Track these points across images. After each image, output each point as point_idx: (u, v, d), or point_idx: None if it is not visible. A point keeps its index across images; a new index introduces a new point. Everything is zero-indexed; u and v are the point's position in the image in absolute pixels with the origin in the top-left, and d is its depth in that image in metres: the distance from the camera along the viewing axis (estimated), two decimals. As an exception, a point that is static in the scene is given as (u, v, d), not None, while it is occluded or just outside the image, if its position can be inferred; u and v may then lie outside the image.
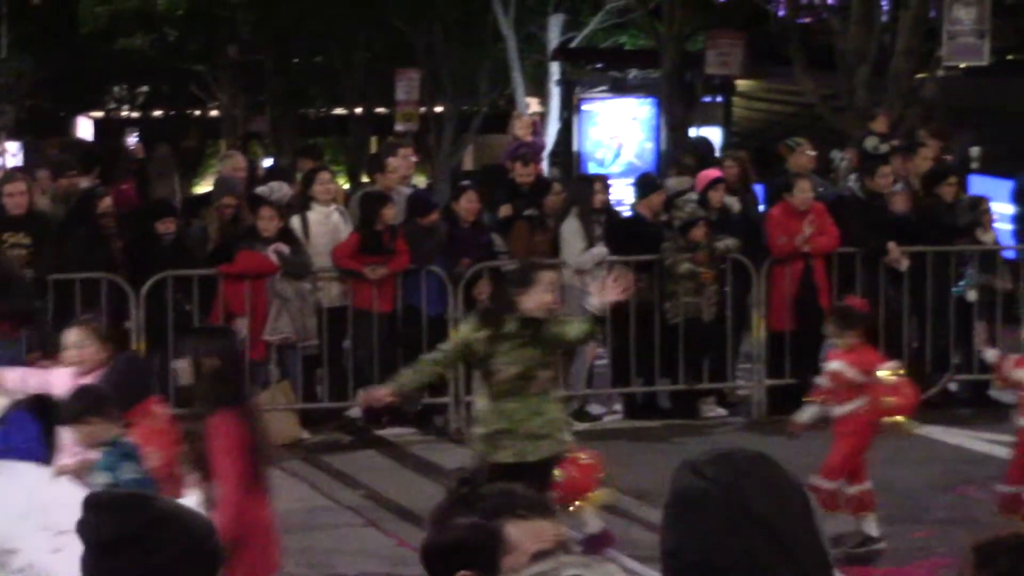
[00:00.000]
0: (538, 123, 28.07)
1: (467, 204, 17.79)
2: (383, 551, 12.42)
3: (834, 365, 12.70)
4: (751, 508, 3.82)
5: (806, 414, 12.77)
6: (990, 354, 13.33)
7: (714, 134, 31.57)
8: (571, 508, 11.24)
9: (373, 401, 11.80)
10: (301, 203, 17.89)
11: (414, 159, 21.64)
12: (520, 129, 23.82)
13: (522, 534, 4.31)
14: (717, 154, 22.48)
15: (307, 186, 18.05)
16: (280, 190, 18.74)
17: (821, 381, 12.74)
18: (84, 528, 4.49)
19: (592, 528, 11.88)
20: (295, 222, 17.46)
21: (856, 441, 12.30)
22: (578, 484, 11.87)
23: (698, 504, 3.85)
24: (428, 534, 4.50)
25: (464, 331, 10.85)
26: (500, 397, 10.52)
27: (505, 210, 18.50)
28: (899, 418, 12.05)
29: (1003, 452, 12.11)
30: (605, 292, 11.84)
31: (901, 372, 12.71)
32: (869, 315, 13.97)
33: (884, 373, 12.35)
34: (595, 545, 11.70)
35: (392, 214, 17.28)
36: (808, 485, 11.97)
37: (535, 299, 10.44)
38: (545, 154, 32.89)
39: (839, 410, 12.39)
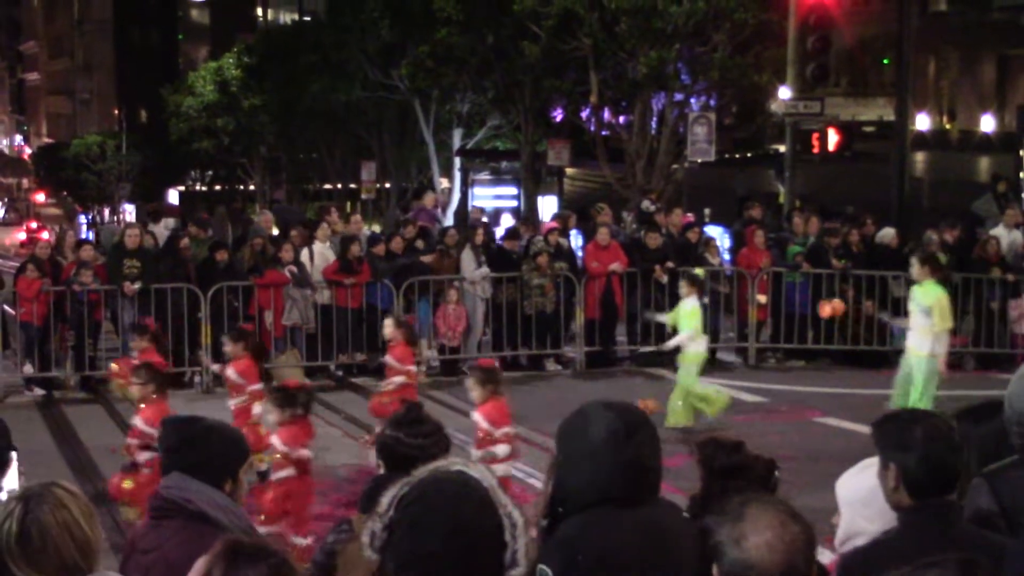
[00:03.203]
0: (440, 198, 27.90)
1: (399, 241, 17.66)
2: (352, 449, 12.34)
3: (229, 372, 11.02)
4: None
5: None
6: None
7: (552, 201, 31.81)
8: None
9: None
10: (309, 240, 17.63)
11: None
12: (427, 201, 23.32)
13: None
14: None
15: (314, 230, 17.87)
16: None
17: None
18: (159, 439, 4.67)
19: None
20: (306, 252, 17.21)
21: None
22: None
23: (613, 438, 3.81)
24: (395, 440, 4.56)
25: None
26: None
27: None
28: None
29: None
30: None
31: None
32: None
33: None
34: None
35: (358, 249, 17.08)
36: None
37: None
38: (451, 211, 33.00)
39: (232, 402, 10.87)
